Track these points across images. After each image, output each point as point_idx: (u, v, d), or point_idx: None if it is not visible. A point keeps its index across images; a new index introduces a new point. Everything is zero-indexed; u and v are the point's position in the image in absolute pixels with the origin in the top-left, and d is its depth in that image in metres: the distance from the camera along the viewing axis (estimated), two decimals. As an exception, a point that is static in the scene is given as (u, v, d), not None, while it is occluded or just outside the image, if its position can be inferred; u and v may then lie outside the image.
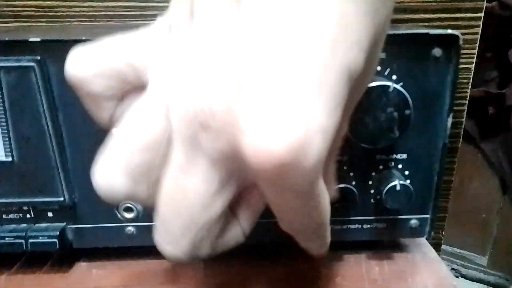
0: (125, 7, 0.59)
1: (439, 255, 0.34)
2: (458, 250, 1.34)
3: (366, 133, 0.26)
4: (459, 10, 0.60)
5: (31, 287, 0.30)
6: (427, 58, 0.27)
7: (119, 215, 0.31)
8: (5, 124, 0.27)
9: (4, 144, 0.28)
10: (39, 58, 0.26)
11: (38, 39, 0.26)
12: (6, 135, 0.27)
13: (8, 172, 0.28)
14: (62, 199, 0.29)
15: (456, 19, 0.61)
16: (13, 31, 0.41)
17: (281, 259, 0.32)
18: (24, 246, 0.29)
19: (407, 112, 0.26)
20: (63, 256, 0.33)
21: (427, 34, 0.26)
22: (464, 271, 1.35)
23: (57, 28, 0.48)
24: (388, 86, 0.25)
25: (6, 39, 0.26)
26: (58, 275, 0.31)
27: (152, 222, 0.31)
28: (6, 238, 0.29)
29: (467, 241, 1.32)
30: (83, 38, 0.26)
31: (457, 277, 1.34)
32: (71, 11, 0.60)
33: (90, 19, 0.60)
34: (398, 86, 0.25)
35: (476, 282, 1.34)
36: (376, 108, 0.25)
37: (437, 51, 0.27)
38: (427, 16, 0.60)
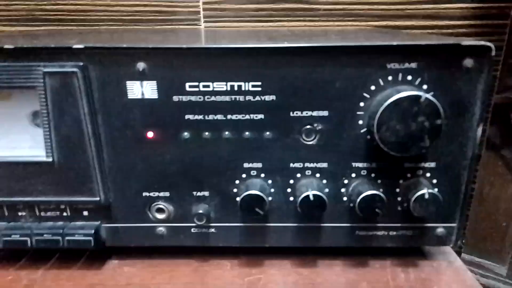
0: (152, 11, 0.61)
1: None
2: (477, 259, 1.31)
3: (396, 142, 0.26)
4: (484, 17, 0.60)
5: (66, 282, 0.31)
6: (459, 68, 0.27)
7: (151, 215, 0.32)
8: (47, 126, 0.28)
9: (46, 145, 0.29)
10: (82, 64, 0.27)
11: (81, 46, 0.27)
12: (48, 136, 0.29)
13: (48, 172, 0.30)
14: (98, 198, 0.30)
15: (482, 26, 0.60)
16: (46, 35, 0.42)
17: (307, 262, 0.33)
18: (61, 243, 0.31)
19: (438, 121, 0.26)
20: (96, 253, 0.34)
21: (459, 44, 0.27)
22: (482, 280, 1.32)
23: (88, 32, 0.49)
24: (420, 96, 0.25)
25: (52, 45, 0.27)
26: (92, 272, 0.32)
27: (182, 223, 0.32)
28: (45, 235, 0.31)
29: (486, 249, 1.30)
30: (124, 45, 0.27)
31: (475, 286, 1.31)
32: (100, 15, 0.62)
33: (118, 23, 0.62)
34: (429, 96, 0.25)
35: (495, 291, 1.31)
36: (407, 117, 0.26)
37: (468, 62, 0.27)
38: (452, 23, 0.60)
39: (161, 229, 0.32)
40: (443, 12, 0.60)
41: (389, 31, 0.49)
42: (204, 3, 0.60)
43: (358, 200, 0.28)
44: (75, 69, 0.27)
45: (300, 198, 0.28)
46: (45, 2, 0.61)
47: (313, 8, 0.60)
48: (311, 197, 0.28)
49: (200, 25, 0.62)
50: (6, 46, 0.27)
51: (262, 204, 0.29)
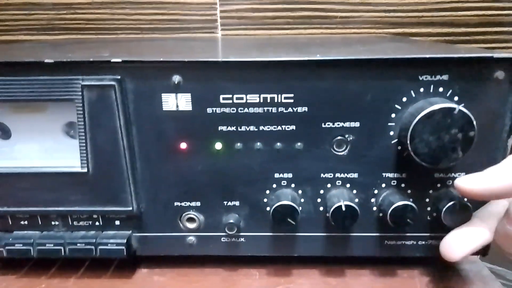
0: (170, 20, 0.62)
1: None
2: (489, 265, 1.31)
3: (429, 154, 0.27)
4: (501, 24, 0.60)
5: (98, 291, 0.32)
6: (490, 80, 0.27)
7: (181, 225, 0.32)
8: (83, 137, 0.29)
9: (81, 156, 0.29)
10: (119, 77, 0.28)
11: (119, 60, 0.27)
12: (84, 148, 0.29)
13: (83, 182, 0.30)
14: (131, 208, 0.31)
15: (498, 33, 0.61)
16: (71, 44, 0.43)
17: (335, 272, 0.33)
18: (94, 252, 0.31)
19: (471, 133, 0.26)
20: (125, 262, 0.34)
21: (491, 57, 0.27)
22: (493, 285, 1.31)
23: (111, 41, 0.50)
24: (454, 108, 0.26)
25: (91, 59, 0.27)
26: (122, 280, 0.33)
27: (212, 232, 0.32)
28: (78, 244, 0.31)
29: (498, 255, 1.29)
30: (160, 59, 0.27)
31: (486, 291, 1.30)
32: (118, 24, 0.62)
33: (136, 31, 0.63)
34: (463, 108, 0.26)
35: (506, 297, 1.30)
36: (440, 129, 0.26)
37: (500, 74, 0.27)
38: (469, 30, 0.60)
39: (191, 238, 0.32)
40: (460, 19, 0.60)
41: (410, 40, 0.49)
42: (221, 11, 0.61)
43: (390, 210, 0.29)
44: (112, 82, 0.27)
45: (332, 209, 0.29)
46: (64, 12, 0.62)
47: (330, 15, 0.60)
48: (343, 208, 0.29)
49: (217, 33, 0.62)
50: (46, 61, 0.27)
51: (294, 215, 0.29)
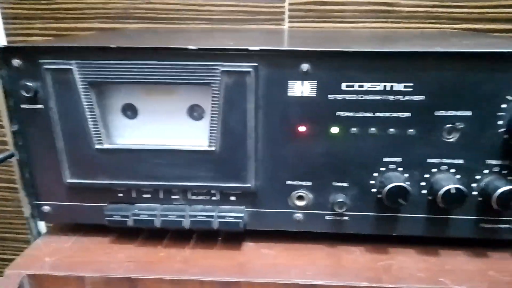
0: (239, 11, 0.64)
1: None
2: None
3: (543, 142, 0.29)
4: None
5: (216, 260, 0.34)
6: None
7: (291, 202, 0.35)
8: (215, 119, 0.32)
9: (211, 135, 0.32)
10: (255, 64, 0.30)
11: (256, 48, 0.30)
12: (215, 128, 0.32)
13: (208, 160, 0.33)
14: (249, 185, 0.33)
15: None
16: (164, 32, 0.46)
17: (430, 251, 0.35)
18: (213, 225, 0.34)
19: None
20: (232, 235, 0.37)
21: None
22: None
23: (177, 30, 0.53)
24: None
25: (229, 47, 0.30)
26: (231, 252, 0.36)
27: (318, 210, 0.35)
28: (198, 217, 0.34)
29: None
30: (293, 48, 0.30)
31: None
32: (190, 14, 0.65)
33: (206, 22, 0.65)
34: None
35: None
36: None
37: None
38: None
39: (299, 215, 0.35)
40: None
41: (487, 35, 0.50)
42: (290, 3, 0.63)
43: (497, 194, 0.31)
44: (249, 69, 0.30)
45: (442, 191, 0.31)
46: (139, 1, 0.64)
47: (396, 10, 0.62)
48: (453, 190, 0.31)
49: (284, 25, 0.65)
50: (189, 47, 0.30)
51: (406, 196, 0.32)
